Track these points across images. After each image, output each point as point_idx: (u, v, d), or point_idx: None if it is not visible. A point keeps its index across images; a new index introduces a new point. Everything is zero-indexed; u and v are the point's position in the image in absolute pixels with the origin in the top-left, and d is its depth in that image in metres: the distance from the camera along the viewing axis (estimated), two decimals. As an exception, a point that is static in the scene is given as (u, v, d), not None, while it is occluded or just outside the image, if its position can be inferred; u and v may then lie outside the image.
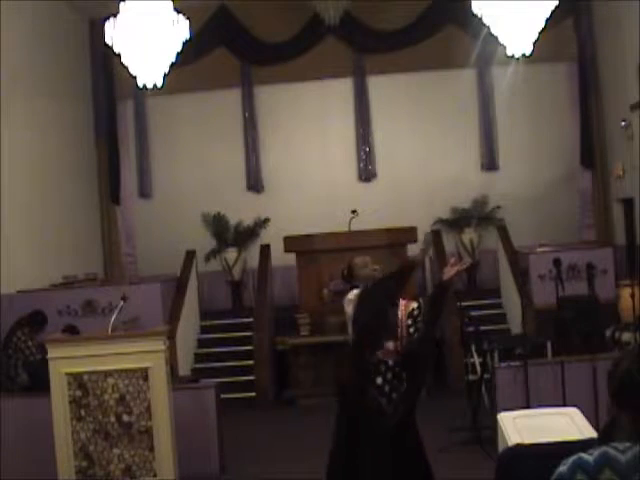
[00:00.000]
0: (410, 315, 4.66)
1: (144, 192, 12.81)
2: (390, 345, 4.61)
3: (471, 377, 7.78)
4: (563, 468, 2.11)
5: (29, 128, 10.20)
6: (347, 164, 12.67)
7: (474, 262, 12.05)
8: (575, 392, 6.41)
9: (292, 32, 12.14)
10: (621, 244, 11.13)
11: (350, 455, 4.64)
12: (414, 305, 4.69)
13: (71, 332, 7.75)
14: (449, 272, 4.59)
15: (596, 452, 2.09)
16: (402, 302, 4.75)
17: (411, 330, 4.63)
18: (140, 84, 8.28)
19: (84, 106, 12.29)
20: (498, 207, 12.08)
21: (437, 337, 4.96)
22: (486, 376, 7.28)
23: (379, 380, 4.58)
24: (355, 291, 4.87)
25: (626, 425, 2.09)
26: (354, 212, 9.94)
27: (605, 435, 2.16)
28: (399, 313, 4.68)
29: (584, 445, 2.23)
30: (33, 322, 8.27)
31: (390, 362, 4.60)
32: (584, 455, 2.10)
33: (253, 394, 9.81)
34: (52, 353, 5.97)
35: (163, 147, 12.76)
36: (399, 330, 4.63)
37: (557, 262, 7.24)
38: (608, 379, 2.14)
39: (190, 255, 11.33)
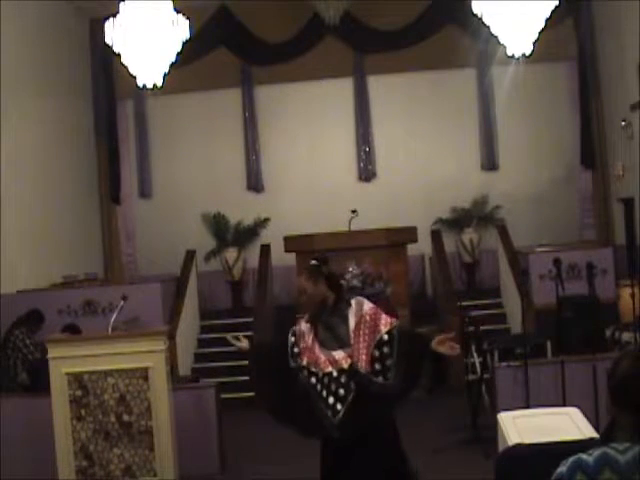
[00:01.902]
0: (379, 345, 4.27)
1: (144, 192, 12.81)
2: (338, 355, 4.30)
3: (471, 377, 7.77)
4: (562, 469, 2.12)
5: (29, 128, 10.20)
6: (347, 164, 12.66)
7: (474, 262, 12.07)
8: (575, 392, 6.40)
9: (292, 32, 12.14)
10: (621, 244, 11.11)
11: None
12: (384, 334, 4.28)
13: (71, 331, 7.76)
14: (438, 347, 4.25)
15: (596, 452, 2.09)
16: (367, 309, 4.36)
17: (376, 366, 4.25)
18: (140, 84, 8.28)
19: (84, 106, 12.29)
20: (498, 207, 12.08)
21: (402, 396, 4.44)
22: (486, 376, 7.28)
23: (324, 393, 4.30)
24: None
25: (626, 425, 2.09)
26: (354, 212, 9.94)
27: (606, 436, 2.16)
28: (351, 320, 4.34)
29: (584, 445, 2.23)
30: (30, 321, 8.27)
31: (335, 373, 4.29)
32: (583, 455, 2.10)
33: (253, 394, 9.80)
34: (52, 353, 5.97)
35: (163, 147, 12.76)
36: (351, 339, 4.29)
37: (557, 262, 7.23)
38: (608, 379, 2.15)
39: (190, 255, 11.33)
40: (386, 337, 4.31)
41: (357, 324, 4.33)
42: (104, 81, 12.41)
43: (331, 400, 4.30)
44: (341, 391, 4.29)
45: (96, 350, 5.95)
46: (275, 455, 7.30)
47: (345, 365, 4.29)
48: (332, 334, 4.38)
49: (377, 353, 4.29)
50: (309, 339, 4.43)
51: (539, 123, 12.36)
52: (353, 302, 4.41)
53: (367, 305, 4.42)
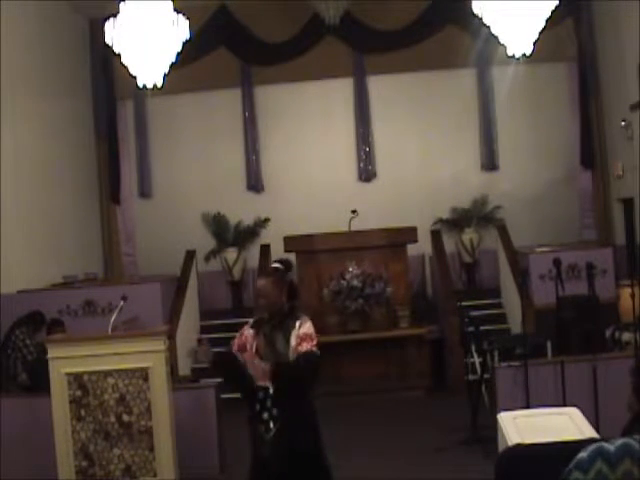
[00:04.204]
0: None
1: (144, 192, 12.81)
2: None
3: (471, 377, 7.78)
4: (583, 454, 2.11)
5: (29, 128, 10.20)
6: (347, 164, 12.66)
7: (474, 262, 12.07)
8: (575, 392, 6.40)
9: (292, 32, 12.14)
10: (621, 244, 11.12)
11: None
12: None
13: (57, 325, 7.83)
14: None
15: (618, 442, 2.09)
16: (301, 332, 4.29)
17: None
18: (140, 84, 8.27)
19: (84, 106, 12.29)
20: (498, 207, 12.08)
21: None
22: (486, 376, 7.28)
23: (257, 406, 4.28)
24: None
25: None
26: (354, 212, 9.94)
27: (627, 430, 2.16)
28: (292, 340, 4.28)
29: (584, 445, 2.23)
30: (31, 322, 8.28)
31: (271, 389, 4.25)
32: (605, 444, 2.10)
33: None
34: (52, 353, 5.97)
35: (163, 147, 12.76)
36: (290, 357, 4.26)
37: (557, 262, 7.23)
38: (631, 375, 2.15)
39: (190, 255, 11.34)
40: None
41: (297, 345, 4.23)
42: (104, 81, 12.41)
43: (265, 416, 4.24)
44: (275, 411, 4.22)
45: (96, 350, 5.94)
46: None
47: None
48: (272, 348, 4.25)
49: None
50: (250, 347, 4.34)
51: (539, 123, 12.36)
52: (297, 323, 4.28)
53: (304, 327, 4.28)
